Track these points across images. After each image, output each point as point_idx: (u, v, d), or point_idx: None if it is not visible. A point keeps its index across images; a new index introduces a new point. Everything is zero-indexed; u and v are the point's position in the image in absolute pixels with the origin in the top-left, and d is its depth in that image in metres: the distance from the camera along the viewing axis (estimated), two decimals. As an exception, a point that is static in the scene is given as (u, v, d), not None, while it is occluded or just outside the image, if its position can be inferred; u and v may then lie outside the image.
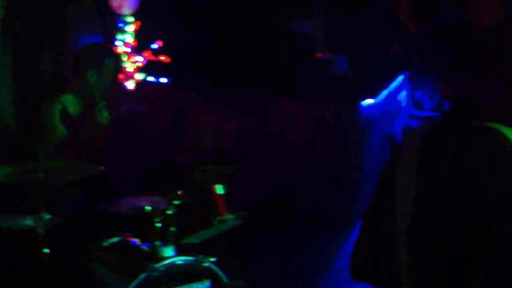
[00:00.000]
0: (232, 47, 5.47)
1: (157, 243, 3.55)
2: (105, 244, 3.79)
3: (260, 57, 5.48)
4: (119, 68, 4.35)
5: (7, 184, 3.76)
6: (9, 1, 5.00)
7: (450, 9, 3.29)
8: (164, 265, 3.42)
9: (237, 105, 5.28)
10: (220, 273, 3.58)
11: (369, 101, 5.72)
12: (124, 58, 5.39)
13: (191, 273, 3.52)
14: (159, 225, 3.56)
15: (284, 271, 4.37)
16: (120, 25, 5.49)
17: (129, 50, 5.44)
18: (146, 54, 5.37)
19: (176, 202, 3.64)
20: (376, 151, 5.66)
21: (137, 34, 5.47)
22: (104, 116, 4.14)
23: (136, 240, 3.77)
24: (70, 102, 4.18)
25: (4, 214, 3.76)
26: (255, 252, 4.47)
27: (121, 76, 5.39)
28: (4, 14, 4.98)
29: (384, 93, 5.74)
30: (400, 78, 5.49)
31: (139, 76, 5.38)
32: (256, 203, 4.24)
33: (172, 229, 3.60)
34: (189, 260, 3.52)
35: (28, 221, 3.54)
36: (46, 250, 3.40)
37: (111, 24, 5.60)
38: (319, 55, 6.60)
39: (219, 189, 3.81)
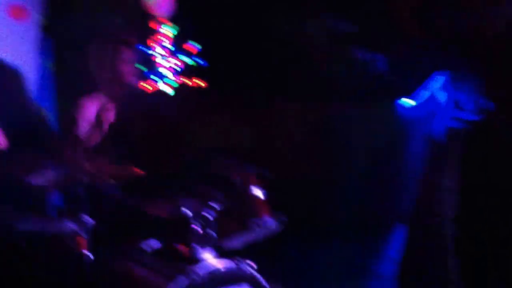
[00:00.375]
0: (261, 48, 5.45)
1: (196, 246, 3.56)
2: (145, 246, 3.82)
3: (292, 59, 5.46)
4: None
5: (49, 187, 3.81)
6: (51, 8, 5.08)
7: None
8: (202, 268, 3.43)
9: (272, 108, 5.27)
10: (258, 277, 3.58)
11: (407, 102, 5.65)
12: (161, 61, 5.43)
13: (230, 276, 3.52)
14: (198, 228, 3.57)
15: (323, 277, 4.33)
16: (158, 28, 5.52)
17: (165, 52, 5.46)
18: (183, 57, 5.39)
19: (215, 205, 3.64)
20: (415, 153, 5.59)
21: (174, 36, 5.49)
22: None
23: (176, 243, 3.78)
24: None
25: (46, 217, 3.82)
26: (294, 256, 4.44)
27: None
28: (46, 20, 5.06)
29: (424, 93, 5.66)
30: (441, 78, 5.41)
31: (176, 78, 5.41)
32: (295, 207, 4.21)
33: (211, 232, 3.61)
34: (227, 264, 3.52)
35: (70, 225, 3.59)
36: (88, 253, 3.45)
37: (149, 26, 5.63)
38: (353, 54, 6.54)
39: (259, 193, 3.79)
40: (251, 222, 3.74)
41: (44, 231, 3.65)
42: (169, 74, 5.48)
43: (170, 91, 5.44)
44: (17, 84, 4.91)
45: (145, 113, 4.52)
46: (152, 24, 5.60)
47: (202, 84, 5.40)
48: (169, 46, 5.50)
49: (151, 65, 5.56)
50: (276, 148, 5.16)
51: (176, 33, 5.54)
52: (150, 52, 5.50)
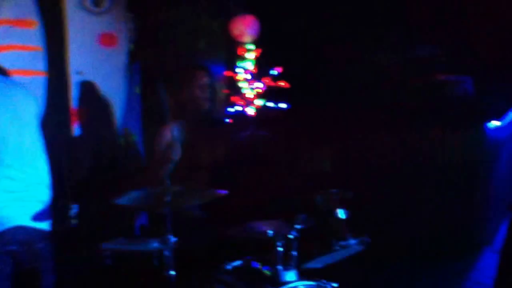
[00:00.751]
0: (344, 71, 5.42)
1: (279, 267, 3.55)
2: (228, 267, 3.84)
3: (379, 83, 5.40)
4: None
5: (135, 208, 3.91)
6: (139, 35, 5.25)
7: None
8: (286, 290, 3.41)
9: (356, 129, 5.23)
10: (342, 298, 3.54)
11: (495, 123, 5.50)
12: (245, 85, 5.50)
13: (313, 298, 3.49)
14: (281, 249, 3.56)
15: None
16: (242, 52, 5.61)
17: (249, 76, 5.54)
18: (266, 80, 5.45)
19: (297, 226, 3.63)
20: (504, 175, 5.42)
21: (257, 61, 5.56)
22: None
23: (258, 264, 3.79)
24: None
25: (132, 237, 3.91)
26: (377, 278, 4.36)
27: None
28: (132, 46, 5.23)
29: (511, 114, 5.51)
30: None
31: (259, 102, 5.46)
32: (379, 228, 4.14)
33: (294, 253, 3.59)
34: (310, 284, 3.50)
35: (155, 244, 3.66)
36: (172, 272, 3.50)
37: (234, 51, 5.73)
38: (439, 77, 6.43)
39: (342, 213, 3.75)
40: (334, 243, 3.69)
41: (130, 250, 3.74)
42: (253, 97, 5.55)
43: (253, 114, 5.49)
44: (106, 108, 5.08)
45: (227, 137, 4.59)
46: (236, 49, 5.70)
47: (284, 106, 5.43)
48: (253, 70, 5.57)
49: (235, 89, 5.64)
50: (360, 170, 5.10)
51: (259, 57, 5.61)
52: (234, 76, 5.59)
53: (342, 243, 3.67)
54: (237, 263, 3.86)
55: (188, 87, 4.44)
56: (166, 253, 3.52)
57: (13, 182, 3.18)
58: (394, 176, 5.14)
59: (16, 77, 4.28)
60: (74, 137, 4.85)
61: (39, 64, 4.62)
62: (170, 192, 3.48)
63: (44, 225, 3.32)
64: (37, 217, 3.27)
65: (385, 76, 5.30)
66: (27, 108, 3.43)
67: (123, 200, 3.50)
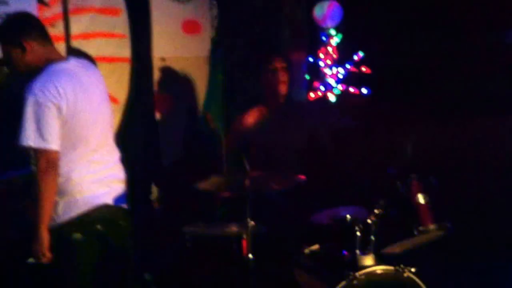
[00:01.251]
0: (436, 59, 5.29)
1: (357, 251, 3.53)
2: (307, 251, 3.86)
3: (470, 70, 5.25)
4: None
5: (215, 192, 3.98)
6: (221, 21, 5.32)
7: None
8: (363, 274, 3.39)
9: (440, 117, 5.12)
10: (421, 284, 3.48)
11: None
12: (326, 70, 5.48)
13: (391, 283, 3.46)
14: (359, 234, 3.55)
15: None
16: (323, 38, 5.59)
17: (331, 62, 5.51)
18: (348, 66, 5.40)
19: (377, 211, 3.60)
20: None
21: (340, 46, 5.52)
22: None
23: (337, 249, 3.79)
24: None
25: (212, 222, 3.98)
26: (457, 265, 4.26)
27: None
28: (216, 34, 5.30)
29: None
30: None
31: (340, 88, 5.43)
32: (461, 216, 4.04)
33: (373, 238, 3.57)
34: (389, 270, 3.46)
35: (234, 228, 3.72)
36: (251, 256, 3.55)
37: (316, 37, 5.71)
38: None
39: (422, 199, 3.69)
40: (414, 229, 3.64)
41: (210, 234, 3.81)
42: (334, 83, 5.52)
43: (334, 100, 5.46)
44: (189, 94, 5.18)
45: (309, 122, 4.59)
46: (319, 35, 5.68)
47: (365, 92, 5.38)
48: (335, 55, 5.54)
49: (317, 75, 5.63)
50: (444, 156, 4.99)
51: (341, 42, 5.57)
52: (317, 62, 5.58)
53: (422, 229, 3.62)
54: (316, 247, 3.88)
55: (264, 71, 4.45)
56: (245, 237, 3.58)
57: (97, 165, 3.26)
58: (479, 163, 5.00)
59: (102, 64, 4.42)
60: (157, 122, 4.97)
61: (124, 51, 4.74)
62: (250, 177, 3.52)
63: (125, 204, 3.39)
64: (119, 197, 3.34)
65: (472, 62, 5.14)
66: (105, 89, 3.47)
67: (204, 185, 3.56)
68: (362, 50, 5.43)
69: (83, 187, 3.17)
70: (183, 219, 3.92)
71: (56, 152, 3.06)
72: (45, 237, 3.07)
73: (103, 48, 4.54)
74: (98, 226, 3.22)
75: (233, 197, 4.04)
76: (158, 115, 4.94)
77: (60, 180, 3.12)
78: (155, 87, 4.94)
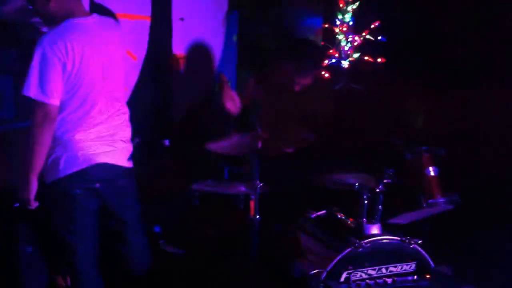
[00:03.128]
0: (447, 28, 5.22)
1: (363, 220, 3.55)
2: (313, 215, 3.88)
3: (482, 40, 5.18)
4: None
5: (226, 153, 3.98)
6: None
7: None
8: (368, 242, 3.42)
9: (454, 88, 5.07)
10: (426, 256, 3.50)
11: None
12: (342, 37, 5.44)
13: (396, 253, 3.48)
14: (366, 202, 3.56)
15: (495, 262, 4.11)
16: (341, 5, 5.53)
17: (346, 29, 5.47)
18: (364, 34, 5.36)
19: (385, 181, 3.60)
20: None
21: (356, 13, 5.47)
22: None
23: (343, 215, 3.81)
24: None
25: (220, 180, 4.00)
26: (465, 238, 4.26)
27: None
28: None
29: None
30: None
31: (355, 55, 5.39)
32: (470, 189, 4.03)
33: (379, 207, 3.58)
34: (394, 240, 3.49)
35: (242, 188, 3.73)
36: (257, 217, 3.57)
37: (333, 3, 5.65)
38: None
39: (432, 172, 3.69)
40: (422, 200, 3.65)
41: (218, 192, 3.83)
42: (349, 50, 5.48)
43: (347, 67, 5.43)
44: (204, 54, 5.16)
45: (321, 88, 4.56)
46: (336, 1, 5.63)
47: (379, 60, 5.34)
48: (350, 23, 5.49)
49: (332, 42, 5.59)
50: (455, 128, 4.96)
51: (358, 10, 5.52)
52: (332, 28, 5.54)
53: (430, 201, 3.62)
54: (322, 212, 3.90)
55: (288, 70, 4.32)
56: (252, 197, 3.60)
57: (103, 126, 3.24)
58: (492, 135, 4.95)
59: (123, 20, 4.41)
60: (173, 80, 4.96)
61: (144, 9, 4.73)
62: (259, 138, 3.53)
63: (126, 162, 3.38)
64: (122, 156, 3.37)
65: (489, 31, 5.05)
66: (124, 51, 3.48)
67: (215, 146, 3.57)
68: (379, 19, 5.37)
69: (85, 145, 3.18)
70: (192, 176, 3.94)
71: (55, 107, 3.07)
72: (33, 186, 3.11)
73: (124, 5, 4.51)
74: (97, 185, 3.25)
75: (242, 157, 4.04)
76: (174, 73, 4.94)
77: (64, 135, 3.15)
78: (173, 46, 4.93)
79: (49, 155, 3.14)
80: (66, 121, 3.14)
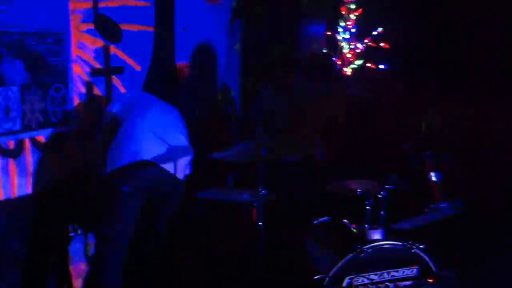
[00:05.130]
0: (460, 36, 5.22)
1: (366, 225, 3.57)
2: (317, 221, 3.90)
3: (487, 46, 5.19)
4: None
5: (230, 161, 4.01)
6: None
7: None
8: (371, 248, 3.45)
9: (459, 93, 5.08)
10: (429, 261, 3.52)
11: None
12: (344, 44, 5.45)
13: (399, 258, 3.50)
14: (369, 208, 3.58)
15: (498, 269, 4.11)
16: (343, 12, 5.55)
17: (348, 36, 5.48)
18: (366, 41, 5.37)
19: (388, 186, 3.63)
20: None
21: (359, 20, 5.48)
22: None
23: (346, 221, 3.83)
24: None
25: (224, 188, 4.04)
26: (469, 244, 4.27)
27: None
28: (235, 3, 5.30)
29: None
30: None
31: (358, 62, 5.40)
32: (475, 195, 4.04)
33: (382, 213, 3.60)
34: (397, 245, 3.51)
35: (246, 196, 3.77)
36: (261, 223, 3.60)
37: (336, 10, 5.67)
38: None
39: (436, 176, 3.71)
40: (425, 206, 3.67)
41: (222, 200, 3.87)
42: (352, 57, 5.49)
43: (350, 74, 5.44)
44: (208, 63, 5.19)
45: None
46: (339, 8, 5.64)
47: (382, 67, 5.34)
48: (353, 29, 5.50)
49: (334, 49, 5.60)
50: (461, 134, 4.96)
51: (361, 17, 5.52)
52: (335, 35, 5.54)
53: (434, 206, 3.65)
54: (325, 219, 3.92)
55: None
56: (257, 205, 3.63)
57: None
58: (498, 142, 4.95)
59: (126, 30, 4.46)
60: (177, 90, 5.00)
61: (147, 19, 4.76)
62: (265, 146, 3.55)
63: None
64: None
65: (494, 38, 5.06)
66: None
67: (219, 155, 3.61)
68: (382, 26, 5.38)
69: None
70: (197, 184, 3.98)
71: None
72: None
73: (127, 15, 4.55)
74: (144, 184, 3.53)
75: (248, 165, 4.07)
76: (178, 83, 4.98)
77: None
78: (176, 55, 4.97)
79: None
80: None
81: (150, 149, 3.58)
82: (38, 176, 3.87)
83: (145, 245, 3.71)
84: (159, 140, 3.60)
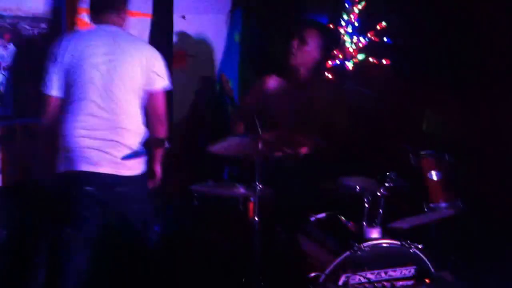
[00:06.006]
0: (466, 32, 5.16)
1: (364, 223, 3.51)
2: (313, 218, 3.85)
3: (492, 43, 5.13)
4: None
5: (227, 155, 3.95)
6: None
7: None
8: (368, 246, 3.39)
9: (462, 91, 5.02)
10: (426, 261, 3.47)
11: None
12: (347, 38, 5.38)
13: (396, 257, 3.45)
14: (367, 205, 3.52)
15: (497, 270, 4.06)
16: (347, 5, 5.49)
17: (351, 30, 5.41)
18: (369, 35, 5.30)
19: (387, 184, 3.57)
20: None
21: (362, 14, 5.42)
22: None
23: (343, 219, 3.78)
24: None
25: (220, 182, 3.97)
26: (468, 245, 4.22)
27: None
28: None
29: None
30: None
31: (360, 57, 5.34)
32: (475, 195, 3.99)
33: (380, 211, 3.55)
34: (394, 244, 3.45)
35: (242, 190, 3.70)
36: (256, 219, 3.53)
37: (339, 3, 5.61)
38: None
39: (435, 176, 3.66)
40: (424, 205, 3.62)
41: (217, 194, 3.81)
42: (354, 52, 5.43)
43: (351, 68, 5.38)
44: (206, 53, 5.13)
45: (327, 90, 4.52)
46: (342, 1, 5.58)
47: (384, 62, 5.28)
48: (356, 23, 5.44)
49: (338, 44, 5.54)
50: (462, 134, 4.91)
51: (364, 10, 5.47)
52: (338, 29, 5.48)
53: (432, 205, 3.60)
54: (322, 215, 3.87)
55: (290, 39, 4.28)
56: (252, 199, 3.57)
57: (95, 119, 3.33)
58: (499, 142, 4.90)
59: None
60: (173, 79, 4.93)
61: (146, 7, 4.71)
62: (261, 140, 3.49)
63: (128, 170, 3.43)
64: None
65: (497, 35, 4.99)
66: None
67: (216, 148, 3.54)
68: (385, 20, 5.32)
69: (72, 145, 3.29)
70: (193, 176, 3.92)
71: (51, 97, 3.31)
72: None
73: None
74: (90, 189, 3.32)
75: (244, 159, 4.01)
76: (174, 72, 4.91)
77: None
78: (174, 44, 4.91)
79: None
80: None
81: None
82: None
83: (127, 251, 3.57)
84: None
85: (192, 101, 5.07)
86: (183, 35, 4.96)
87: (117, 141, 3.38)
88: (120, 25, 3.59)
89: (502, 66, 4.71)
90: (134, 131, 3.45)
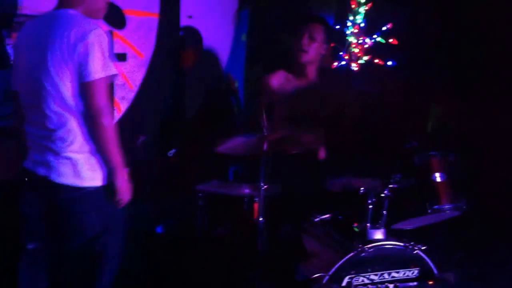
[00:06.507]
0: (471, 33, 5.16)
1: (368, 224, 3.52)
2: (317, 219, 3.85)
3: (497, 44, 5.12)
4: None
5: (232, 155, 3.97)
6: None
7: None
8: (372, 247, 3.39)
9: (467, 92, 5.02)
10: (429, 263, 3.47)
11: None
12: (352, 39, 5.40)
13: (399, 258, 3.45)
14: (371, 207, 3.53)
15: (501, 271, 4.07)
16: (353, 6, 5.49)
17: (356, 31, 5.42)
18: (375, 36, 5.32)
19: (391, 185, 3.57)
20: None
21: (368, 15, 5.43)
22: None
23: (347, 220, 3.78)
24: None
25: (225, 181, 3.99)
26: (472, 246, 4.23)
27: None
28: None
29: None
30: None
31: (365, 58, 5.35)
32: (479, 197, 3.99)
33: (384, 212, 3.55)
34: (398, 245, 3.45)
35: (247, 190, 3.72)
36: (261, 219, 3.55)
37: (345, 4, 5.62)
38: None
39: (439, 177, 3.65)
40: (428, 206, 3.61)
41: (223, 193, 3.82)
42: (359, 53, 5.44)
43: (357, 69, 5.39)
44: (212, 53, 5.14)
45: (333, 89, 4.51)
46: (348, 2, 5.59)
47: (390, 63, 5.29)
48: (362, 24, 5.45)
49: (342, 43, 5.55)
50: (468, 134, 4.91)
51: (370, 11, 5.48)
52: (343, 29, 5.49)
53: (436, 207, 3.59)
54: (326, 216, 3.87)
55: (298, 37, 4.27)
56: (257, 199, 3.58)
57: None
58: (504, 143, 4.89)
59: (130, 17, 4.39)
60: (180, 79, 4.95)
61: (153, 6, 4.71)
62: (267, 140, 3.50)
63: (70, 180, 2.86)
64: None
65: (503, 35, 4.98)
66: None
67: (223, 147, 3.54)
68: (391, 21, 5.32)
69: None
70: (198, 176, 3.93)
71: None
72: None
73: (132, 1, 4.50)
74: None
75: (249, 158, 4.02)
76: (181, 72, 4.93)
77: None
78: (181, 44, 4.91)
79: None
80: None
81: None
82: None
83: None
84: None
85: (198, 101, 5.08)
86: (190, 34, 4.97)
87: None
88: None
89: (505, 67, 4.73)
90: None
